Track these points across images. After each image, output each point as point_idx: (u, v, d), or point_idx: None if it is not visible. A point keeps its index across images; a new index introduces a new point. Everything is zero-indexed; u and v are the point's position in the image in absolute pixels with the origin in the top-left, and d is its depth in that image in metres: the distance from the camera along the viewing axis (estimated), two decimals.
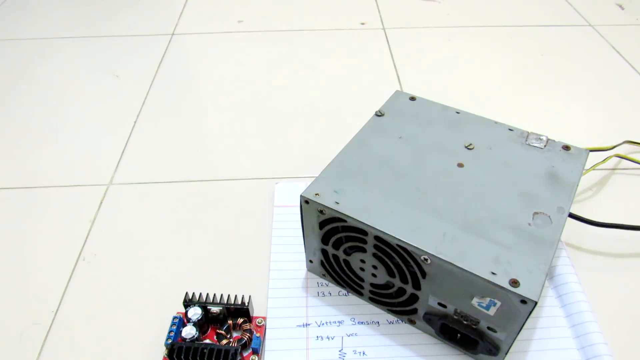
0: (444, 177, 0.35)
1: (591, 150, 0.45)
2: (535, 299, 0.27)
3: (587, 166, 0.47)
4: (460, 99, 0.59)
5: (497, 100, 0.59)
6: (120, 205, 0.46)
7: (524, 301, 0.28)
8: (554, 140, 0.38)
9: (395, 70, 0.64)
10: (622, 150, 0.51)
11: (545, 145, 0.38)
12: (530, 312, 0.28)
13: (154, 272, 0.41)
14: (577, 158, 0.37)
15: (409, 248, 0.30)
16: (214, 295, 0.36)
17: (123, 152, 0.52)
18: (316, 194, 0.33)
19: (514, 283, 0.28)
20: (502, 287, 0.28)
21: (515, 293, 0.28)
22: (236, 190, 0.48)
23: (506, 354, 0.32)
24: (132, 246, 0.43)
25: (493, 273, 0.29)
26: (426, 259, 0.30)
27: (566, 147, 0.37)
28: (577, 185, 0.35)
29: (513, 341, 0.31)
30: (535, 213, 0.32)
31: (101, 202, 0.47)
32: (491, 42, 0.70)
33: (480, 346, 0.32)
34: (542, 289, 0.29)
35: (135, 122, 0.56)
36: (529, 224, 0.32)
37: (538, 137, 0.38)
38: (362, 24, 0.74)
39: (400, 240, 0.30)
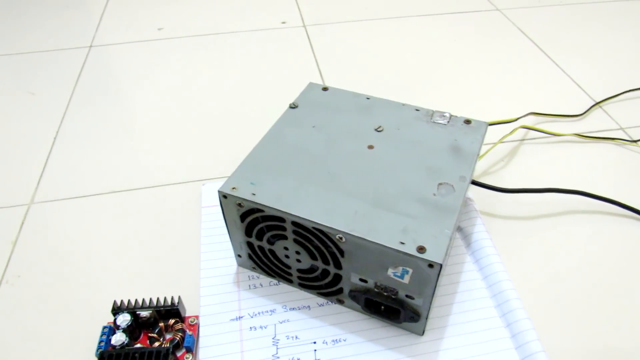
0: (355, 160, 0.37)
1: (495, 123, 0.48)
2: (440, 262, 0.29)
3: (496, 139, 0.51)
4: (378, 87, 0.62)
5: (413, 86, 0.62)
6: (43, 223, 0.45)
7: (431, 265, 0.30)
8: (456, 116, 0.40)
9: (317, 65, 0.66)
10: (528, 121, 0.54)
11: (448, 121, 0.40)
12: (439, 275, 0.30)
13: (82, 286, 0.40)
14: (477, 130, 0.39)
15: (323, 229, 0.32)
16: (143, 300, 0.36)
17: (44, 169, 0.51)
18: (233, 188, 0.34)
19: (421, 249, 0.30)
20: (410, 255, 0.30)
21: (422, 259, 0.30)
22: (163, 195, 0.48)
23: (427, 319, 0.34)
24: (58, 263, 0.42)
25: (402, 243, 0.30)
26: (341, 237, 0.32)
27: (467, 122, 0.40)
28: (478, 154, 0.37)
29: (430, 305, 0.33)
30: (440, 184, 0.35)
31: (22, 223, 0.45)
32: (407, 32, 0.73)
33: (402, 314, 0.34)
34: (448, 252, 0.31)
35: (55, 138, 0.55)
36: (434, 195, 0.34)
37: (442, 115, 0.40)
38: (283, 22, 0.75)
39: (314, 222, 0.32)
